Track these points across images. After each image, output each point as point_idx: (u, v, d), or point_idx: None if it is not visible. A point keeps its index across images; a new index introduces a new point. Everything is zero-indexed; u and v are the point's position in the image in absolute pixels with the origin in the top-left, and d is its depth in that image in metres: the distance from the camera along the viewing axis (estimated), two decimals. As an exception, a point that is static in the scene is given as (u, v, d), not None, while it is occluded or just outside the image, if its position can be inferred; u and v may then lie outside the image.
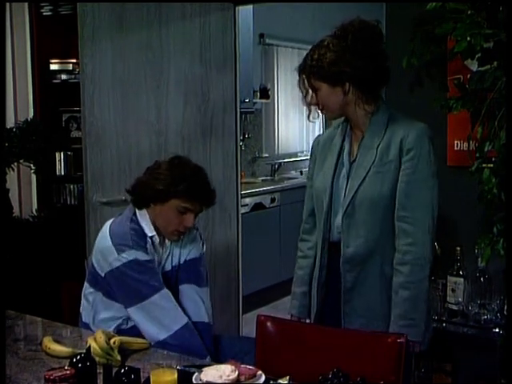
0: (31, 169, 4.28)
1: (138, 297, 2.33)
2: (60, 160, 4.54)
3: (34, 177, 4.51)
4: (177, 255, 2.52)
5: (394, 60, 2.87)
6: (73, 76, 4.52)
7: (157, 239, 2.44)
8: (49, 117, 4.58)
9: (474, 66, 2.80)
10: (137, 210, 2.46)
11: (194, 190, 2.37)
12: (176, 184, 2.35)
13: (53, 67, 4.61)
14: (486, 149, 2.35)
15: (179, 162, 2.45)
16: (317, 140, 2.43)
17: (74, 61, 4.40)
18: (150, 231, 2.43)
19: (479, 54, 2.35)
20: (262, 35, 6.54)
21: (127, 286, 2.34)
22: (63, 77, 4.59)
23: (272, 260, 5.85)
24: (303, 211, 2.44)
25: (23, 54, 4.55)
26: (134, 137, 3.83)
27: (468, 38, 2.24)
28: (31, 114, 4.53)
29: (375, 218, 2.16)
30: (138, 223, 2.43)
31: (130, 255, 2.34)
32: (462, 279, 2.94)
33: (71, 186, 4.52)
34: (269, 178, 6.70)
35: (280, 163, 6.93)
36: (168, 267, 2.50)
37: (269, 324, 2.25)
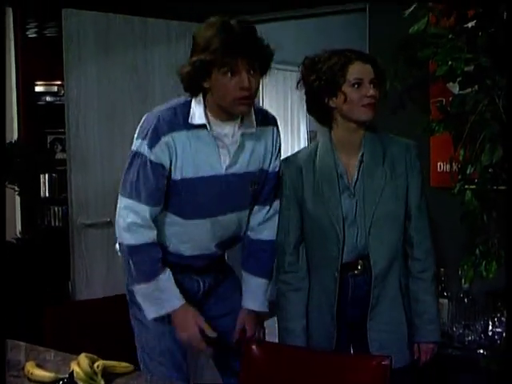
0: (15, 190, 4.26)
1: (126, 192, 2.23)
2: (44, 182, 4.53)
3: (17, 198, 4.49)
4: (238, 163, 2.24)
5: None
6: (58, 98, 4.53)
7: (214, 129, 2.18)
8: (33, 138, 4.58)
9: (455, 88, 2.83)
10: (193, 101, 2.20)
11: (226, 40, 2.04)
12: (209, 45, 2.06)
13: (38, 89, 4.63)
14: (468, 171, 2.38)
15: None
16: (291, 168, 2.31)
17: (59, 83, 4.41)
18: (198, 119, 2.16)
19: (460, 78, 2.38)
20: (246, 57, 6.57)
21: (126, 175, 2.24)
22: (48, 99, 4.61)
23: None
24: (285, 243, 2.32)
25: (8, 76, 4.55)
26: (119, 159, 3.81)
27: (449, 62, 2.27)
28: (16, 136, 4.52)
29: (395, 231, 2.23)
30: (188, 108, 2.18)
31: (136, 145, 2.20)
32: (446, 300, 2.96)
33: (56, 208, 4.51)
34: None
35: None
36: (220, 170, 2.22)
37: (254, 347, 2.24)
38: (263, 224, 2.38)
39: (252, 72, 2.10)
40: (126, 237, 2.23)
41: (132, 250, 2.22)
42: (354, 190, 2.23)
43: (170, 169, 2.19)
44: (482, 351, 2.82)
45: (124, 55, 3.83)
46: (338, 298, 2.24)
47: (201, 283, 2.39)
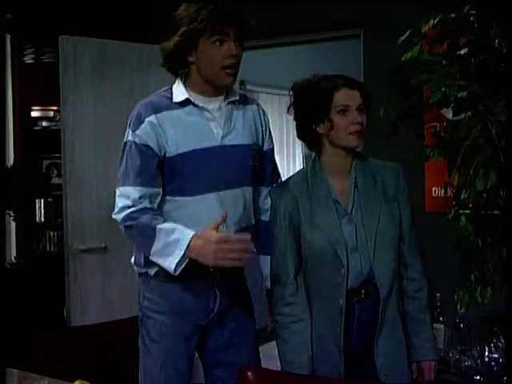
0: (10, 215, 4.26)
1: (118, 181, 2.25)
2: (40, 207, 4.52)
3: (12, 223, 4.48)
4: (232, 133, 2.27)
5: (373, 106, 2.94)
6: (54, 123, 4.54)
7: (199, 103, 2.22)
8: (29, 163, 4.57)
9: (449, 114, 2.86)
10: (173, 85, 2.27)
11: (213, 11, 2.12)
12: (196, 17, 2.13)
13: (34, 114, 4.63)
14: (462, 197, 2.39)
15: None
16: (285, 197, 2.26)
17: (56, 108, 4.41)
18: (180, 95, 2.22)
19: (453, 104, 2.40)
20: (242, 82, 6.60)
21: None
22: (44, 124, 4.60)
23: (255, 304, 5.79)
24: (283, 274, 2.25)
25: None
26: (114, 184, 3.83)
27: (443, 89, 2.29)
28: (11, 161, 4.53)
29: (393, 254, 2.23)
30: (170, 92, 2.25)
31: (127, 135, 2.24)
32: (442, 325, 2.95)
33: (51, 233, 4.49)
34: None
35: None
36: (215, 141, 2.23)
37: (249, 374, 2.21)
38: None
39: (237, 43, 2.17)
40: (119, 217, 2.21)
41: (126, 220, 2.19)
42: (352, 215, 2.22)
43: (163, 149, 2.20)
44: (478, 377, 2.80)
45: (120, 81, 3.86)
46: (344, 329, 2.18)
47: (217, 298, 2.31)
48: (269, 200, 2.40)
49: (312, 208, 2.22)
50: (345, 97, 2.16)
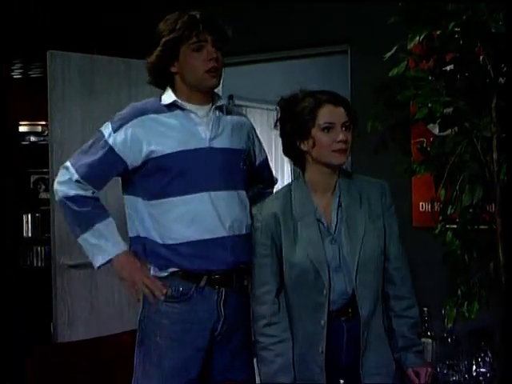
0: (-3, 231, 4.24)
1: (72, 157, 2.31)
2: (27, 222, 4.50)
3: None
4: (220, 136, 2.32)
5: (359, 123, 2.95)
6: (42, 138, 4.54)
7: (185, 106, 2.28)
8: (17, 178, 4.56)
9: (436, 129, 2.88)
10: (164, 93, 2.34)
11: (189, 20, 2.25)
12: (174, 27, 2.25)
13: (22, 129, 4.63)
14: (448, 212, 2.40)
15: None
16: (267, 215, 2.21)
17: (43, 123, 4.42)
18: (168, 98, 2.29)
19: (440, 120, 2.42)
20: (230, 96, 6.62)
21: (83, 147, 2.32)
22: (32, 139, 4.61)
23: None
24: (265, 293, 2.19)
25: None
26: (101, 200, 3.81)
27: (429, 105, 2.31)
28: (-1, 176, 4.51)
29: (378, 273, 2.20)
30: (158, 98, 2.32)
31: (105, 127, 2.28)
32: (429, 340, 2.95)
33: (38, 248, 4.47)
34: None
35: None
36: (203, 143, 2.28)
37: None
38: None
39: (215, 48, 2.26)
40: (63, 189, 2.27)
41: (71, 200, 2.26)
42: (335, 235, 2.18)
43: (144, 155, 2.24)
44: (466, 392, 2.80)
45: (108, 96, 3.86)
46: (330, 344, 2.14)
47: (221, 318, 2.28)
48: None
49: (294, 226, 2.17)
50: (329, 114, 2.13)
